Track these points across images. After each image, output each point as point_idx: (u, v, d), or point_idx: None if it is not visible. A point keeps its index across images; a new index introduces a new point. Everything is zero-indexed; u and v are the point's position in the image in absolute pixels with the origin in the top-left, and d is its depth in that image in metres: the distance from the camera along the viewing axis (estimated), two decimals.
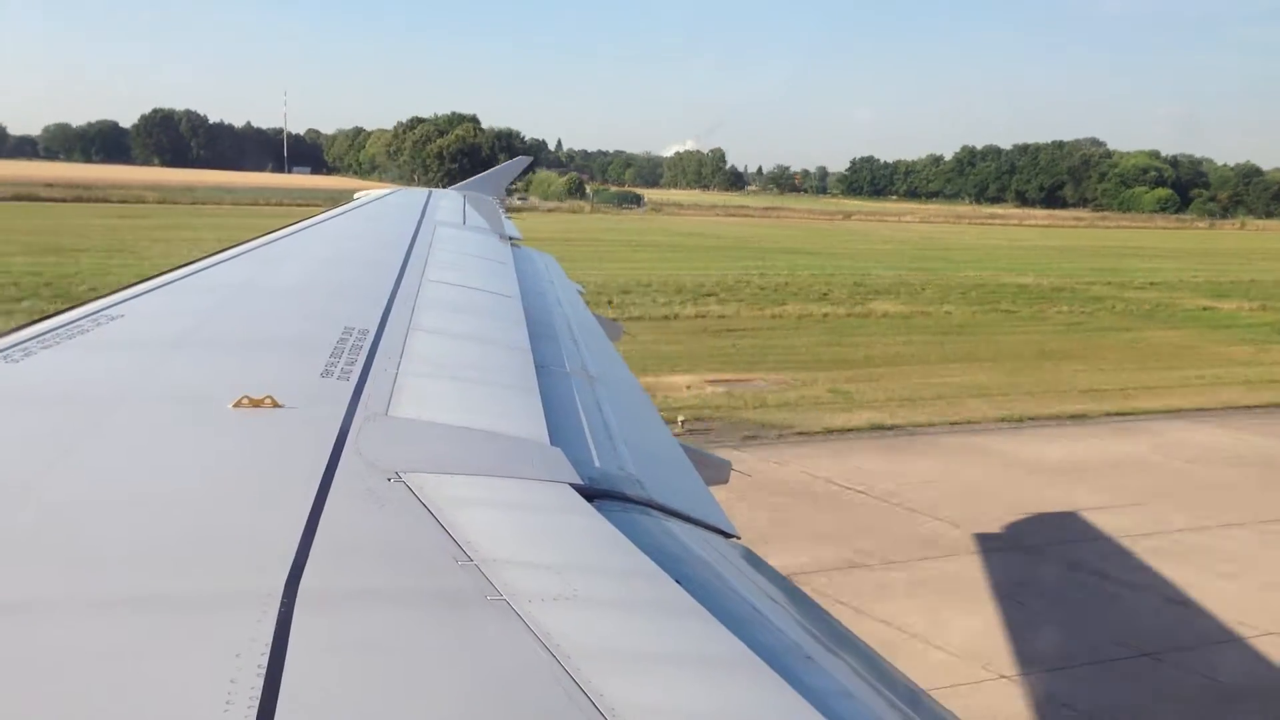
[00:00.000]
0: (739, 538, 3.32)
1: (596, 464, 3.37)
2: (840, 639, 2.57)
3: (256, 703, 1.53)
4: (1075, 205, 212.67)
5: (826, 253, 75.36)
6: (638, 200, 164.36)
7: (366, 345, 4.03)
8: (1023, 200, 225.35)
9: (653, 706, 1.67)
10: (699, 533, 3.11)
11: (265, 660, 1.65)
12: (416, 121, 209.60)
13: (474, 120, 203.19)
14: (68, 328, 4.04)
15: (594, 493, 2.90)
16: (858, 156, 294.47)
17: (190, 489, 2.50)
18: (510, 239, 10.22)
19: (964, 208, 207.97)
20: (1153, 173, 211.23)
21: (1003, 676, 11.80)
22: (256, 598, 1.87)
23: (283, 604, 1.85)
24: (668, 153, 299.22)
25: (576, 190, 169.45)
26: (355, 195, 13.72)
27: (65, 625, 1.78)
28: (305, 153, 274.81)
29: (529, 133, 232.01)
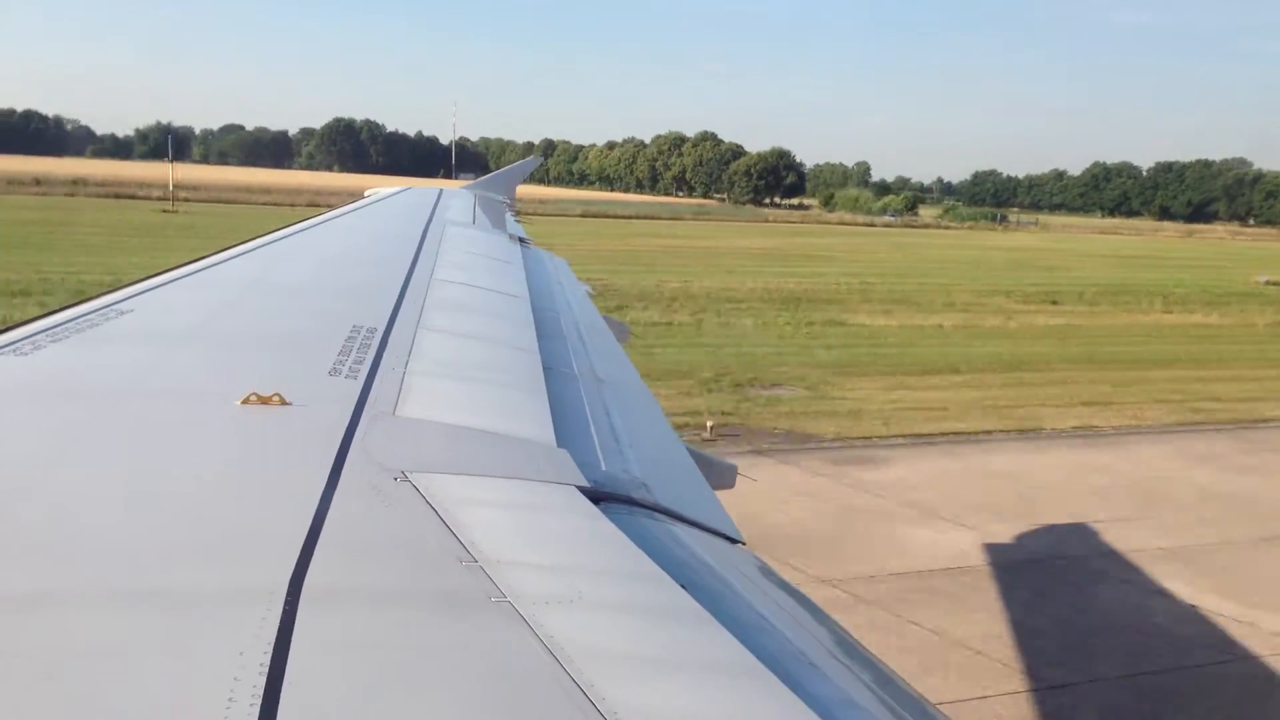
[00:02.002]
0: (745, 543, 3.32)
1: (603, 467, 3.37)
2: (846, 647, 2.56)
3: (259, 701, 1.53)
4: (1226, 220, 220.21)
5: None
6: (998, 218, 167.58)
7: (374, 344, 4.04)
8: (1166, 215, 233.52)
9: (656, 711, 1.67)
10: (705, 537, 3.11)
11: (268, 658, 1.65)
12: (680, 139, 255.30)
13: (713, 137, 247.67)
14: (76, 322, 4.05)
15: (600, 495, 2.89)
16: (980, 169, 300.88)
17: (196, 485, 2.50)
18: (519, 239, 10.23)
19: (1145, 222, 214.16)
20: None
21: None
22: (261, 595, 1.87)
23: (287, 602, 1.85)
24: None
25: (910, 208, 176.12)
26: (366, 193, 13.75)
27: (69, 621, 1.78)
28: (468, 159, 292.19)
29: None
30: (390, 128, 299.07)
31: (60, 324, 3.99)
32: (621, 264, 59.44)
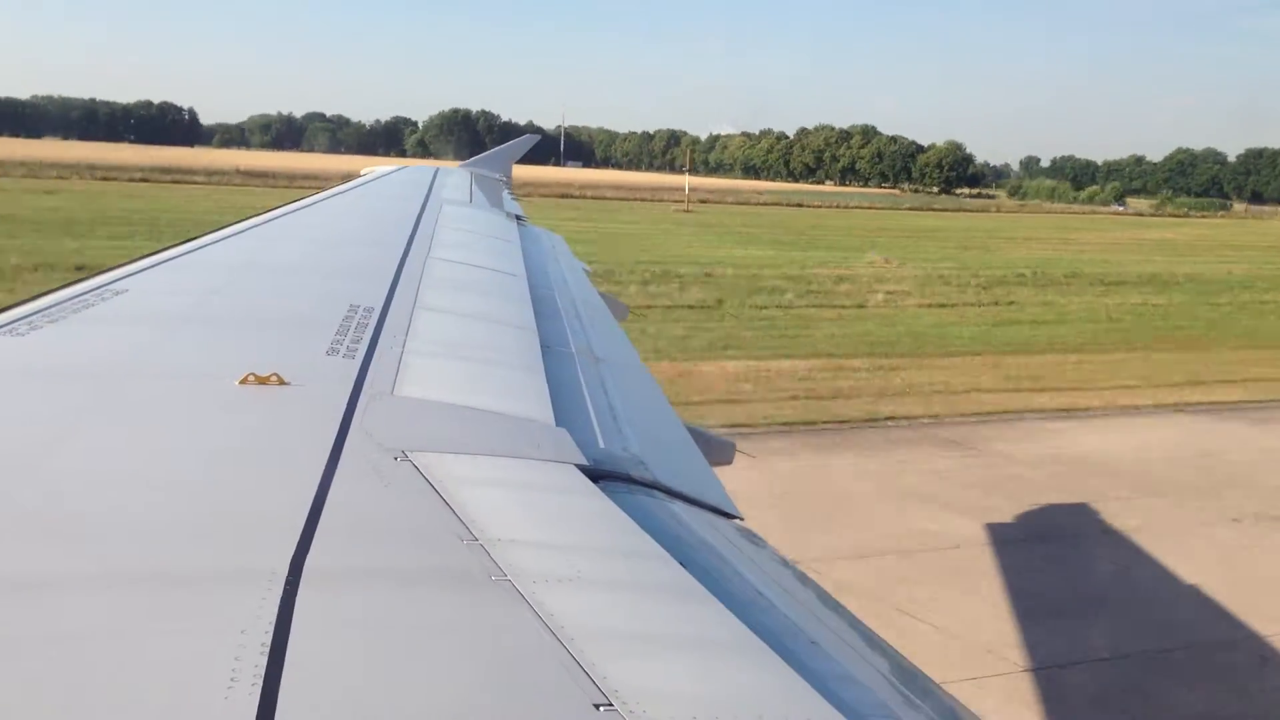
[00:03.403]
0: (742, 519, 3.32)
1: (601, 445, 3.37)
2: (844, 623, 2.57)
3: (260, 680, 1.54)
4: None
5: None
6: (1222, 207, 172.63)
7: (372, 323, 4.03)
8: (1258, 200, 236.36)
9: (655, 688, 1.68)
10: (703, 515, 3.11)
11: (269, 638, 1.65)
12: (847, 133, 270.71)
13: (873, 129, 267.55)
14: (72, 302, 4.04)
15: (599, 473, 2.90)
16: (1060, 155, 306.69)
17: (195, 466, 2.50)
18: (516, 217, 10.20)
19: None
20: None
21: None
22: (261, 575, 1.87)
23: (288, 582, 1.85)
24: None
25: (1118, 198, 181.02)
26: (362, 171, 13.69)
27: (71, 601, 1.78)
28: (574, 149, 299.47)
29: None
30: (505, 117, 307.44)
31: (56, 304, 3.97)
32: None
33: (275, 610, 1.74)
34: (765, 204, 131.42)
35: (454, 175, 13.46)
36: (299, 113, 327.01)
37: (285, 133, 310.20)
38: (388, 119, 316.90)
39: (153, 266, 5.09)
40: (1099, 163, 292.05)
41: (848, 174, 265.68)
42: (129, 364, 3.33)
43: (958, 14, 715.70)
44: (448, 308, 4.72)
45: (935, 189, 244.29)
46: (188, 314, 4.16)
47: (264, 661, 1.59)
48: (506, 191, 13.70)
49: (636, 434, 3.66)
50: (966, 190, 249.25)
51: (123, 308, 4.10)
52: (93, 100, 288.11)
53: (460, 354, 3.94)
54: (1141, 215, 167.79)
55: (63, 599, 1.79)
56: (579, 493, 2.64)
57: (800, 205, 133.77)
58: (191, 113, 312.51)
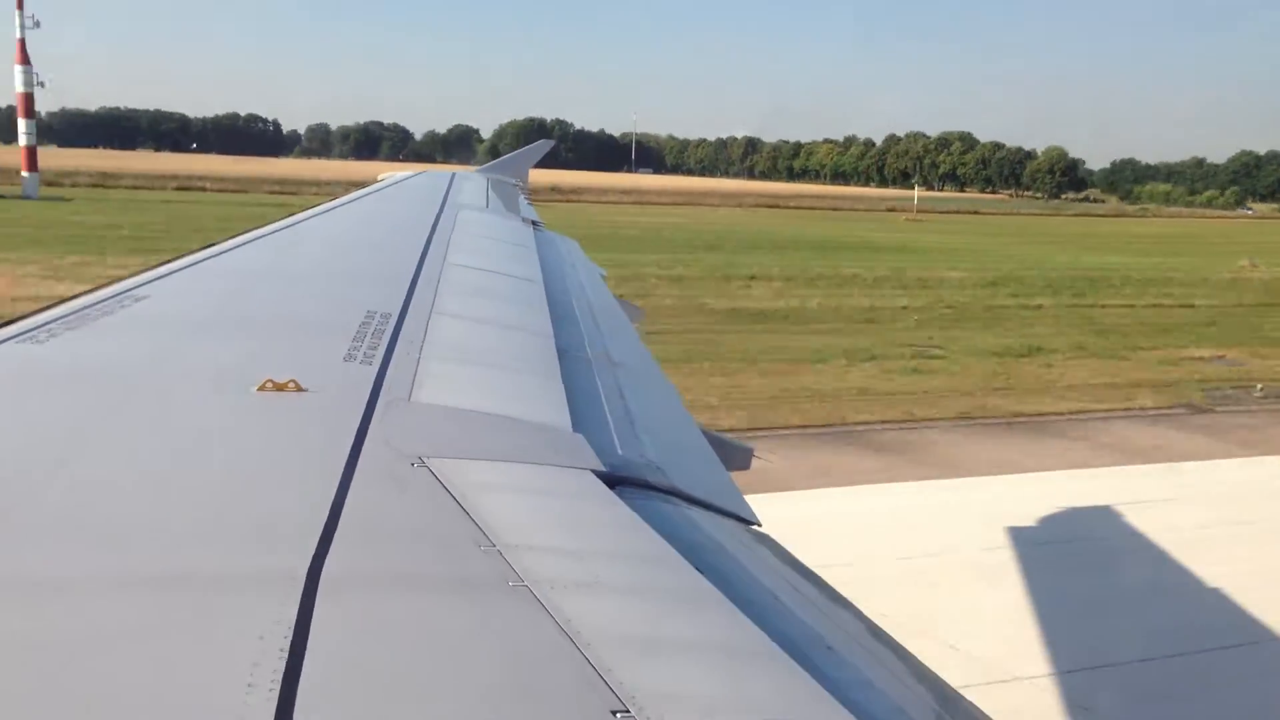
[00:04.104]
0: (760, 525, 3.31)
1: (619, 450, 3.37)
2: (863, 630, 2.56)
3: (278, 685, 1.54)
4: None
5: None
6: None
7: (389, 330, 4.04)
8: None
9: (672, 694, 1.67)
10: (721, 520, 3.11)
11: (288, 643, 1.66)
12: (943, 140, 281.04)
13: (968, 137, 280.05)
14: (93, 309, 4.07)
15: (616, 479, 2.90)
16: (1118, 158, 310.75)
17: (214, 471, 2.51)
18: (532, 222, 10.22)
19: None
20: None
21: None
22: (280, 581, 1.88)
23: (306, 587, 1.86)
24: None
25: (1239, 202, 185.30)
26: (379, 177, 13.75)
27: (91, 605, 1.80)
28: (644, 156, 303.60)
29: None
30: (577, 125, 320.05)
31: (76, 311, 4.00)
32: None
33: (294, 615, 1.75)
34: (948, 212, 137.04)
35: (470, 180, 13.49)
36: (367, 122, 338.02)
37: (364, 142, 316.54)
38: (447, 128, 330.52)
39: (173, 273, 5.13)
40: (1150, 164, 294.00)
41: (946, 180, 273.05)
42: (149, 370, 3.36)
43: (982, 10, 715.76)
44: (464, 313, 4.73)
45: (1042, 195, 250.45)
46: (207, 320, 4.19)
47: (282, 666, 1.59)
48: (523, 196, 13.73)
49: (653, 440, 3.66)
50: (1072, 195, 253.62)
51: (143, 314, 4.13)
52: (182, 114, 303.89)
53: (477, 360, 3.94)
54: (1266, 219, 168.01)
55: (82, 601, 1.80)
56: (596, 499, 2.64)
57: (975, 213, 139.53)
58: (275, 124, 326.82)
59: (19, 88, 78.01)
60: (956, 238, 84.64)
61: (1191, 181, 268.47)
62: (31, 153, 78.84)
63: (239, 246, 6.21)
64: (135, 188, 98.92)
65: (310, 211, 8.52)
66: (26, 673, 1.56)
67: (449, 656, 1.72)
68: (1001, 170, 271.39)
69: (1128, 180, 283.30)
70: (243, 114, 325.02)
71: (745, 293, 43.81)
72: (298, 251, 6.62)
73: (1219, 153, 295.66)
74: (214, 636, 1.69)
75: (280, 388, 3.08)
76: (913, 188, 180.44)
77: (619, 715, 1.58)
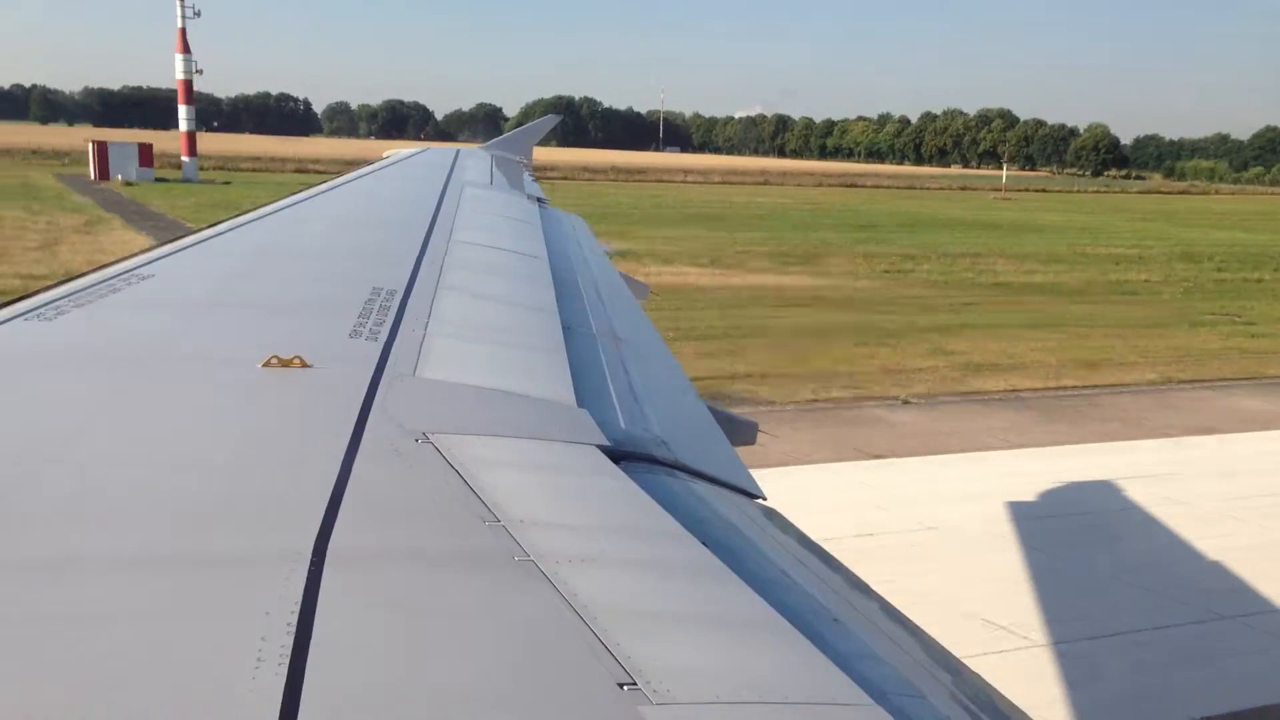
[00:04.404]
0: (765, 498, 3.32)
1: (623, 425, 3.37)
2: (868, 601, 2.57)
3: (287, 660, 1.55)
4: None
5: None
6: None
7: (394, 306, 4.04)
8: None
9: (678, 667, 1.68)
10: (725, 494, 3.11)
11: (295, 618, 1.67)
12: (983, 117, 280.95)
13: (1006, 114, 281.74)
14: (99, 286, 4.07)
15: (620, 454, 2.90)
16: (1141, 134, 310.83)
17: (220, 447, 2.52)
18: (538, 199, 10.19)
19: None
20: None
21: None
22: (286, 556, 1.88)
23: (312, 563, 1.86)
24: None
25: None
26: (385, 154, 13.71)
27: (98, 582, 1.80)
28: (674, 134, 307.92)
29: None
30: (606, 104, 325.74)
31: (84, 289, 4.01)
32: None
33: (300, 591, 1.76)
34: (1024, 190, 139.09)
35: (474, 157, 13.46)
36: (395, 101, 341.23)
37: (391, 121, 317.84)
38: (470, 107, 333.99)
39: (179, 251, 5.13)
40: (1174, 140, 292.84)
41: (986, 158, 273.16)
42: (155, 348, 3.36)
43: None
44: (470, 290, 4.73)
45: (1084, 172, 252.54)
46: (213, 298, 4.19)
47: (290, 642, 1.60)
48: (527, 173, 13.69)
49: (658, 414, 3.66)
50: (1114, 172, 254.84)
51: (149, 292, 4.14)
52: (212, 94, 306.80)
53: (482, 336, 3.94)
54: None
55: (90, 579, 1.81)
56: (601, 473, 2.65)
57: (1043, 190, 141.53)
58: (306, 103, 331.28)
59: (179, 74, 79.18)
60: (1067, 215, 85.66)
61: (1215, 158, 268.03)
62: (191, 138, 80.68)
63: (245, 224, 6.20)
64: (261, 170, 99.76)
65: (315, 189, 8.51)
66: (36, 650, 1.56)
67: (456, 631, 1.72)
68: (1044, 148, 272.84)
69: (1151, 156, 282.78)
70: (274, 93, 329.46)
71: (987, 268, 44.98)
72: (303, 229, 6.62)
73: (1242, 129, 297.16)
74: (221, 613, 1.70)
75: (286, 364, 3.09)
76: (1000, 167, 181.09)
77: (626, 688, 1.59)
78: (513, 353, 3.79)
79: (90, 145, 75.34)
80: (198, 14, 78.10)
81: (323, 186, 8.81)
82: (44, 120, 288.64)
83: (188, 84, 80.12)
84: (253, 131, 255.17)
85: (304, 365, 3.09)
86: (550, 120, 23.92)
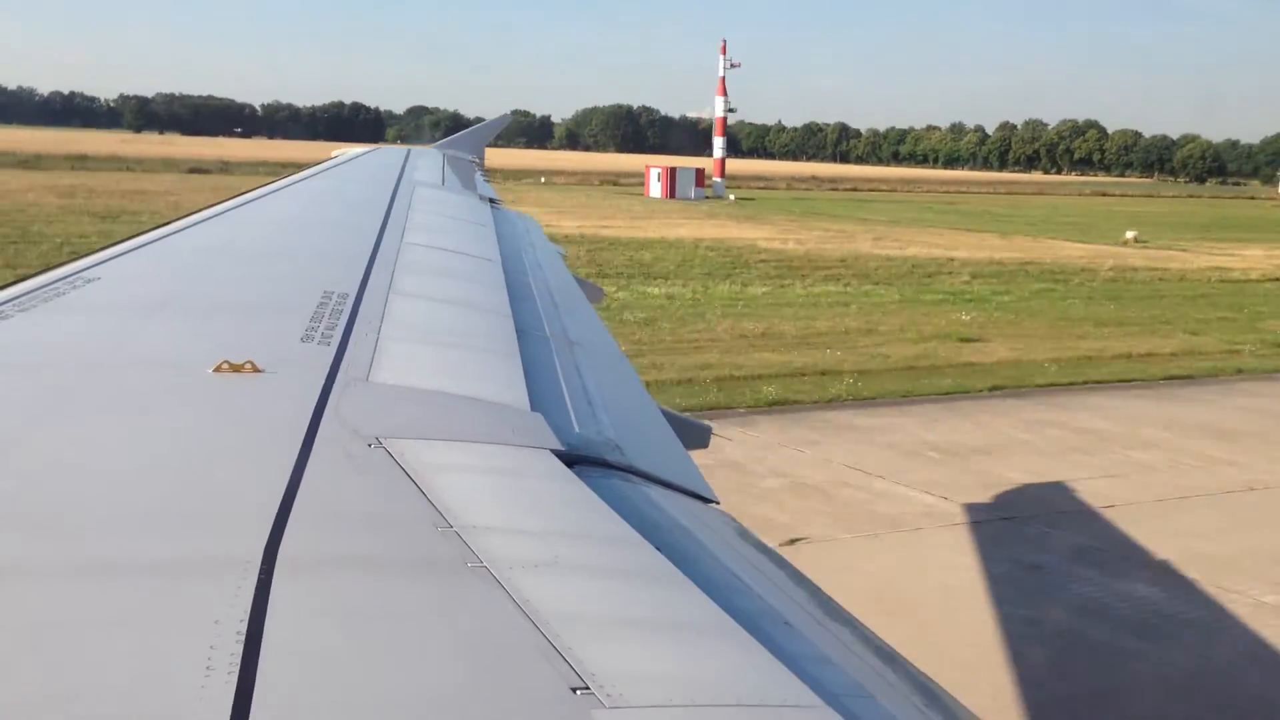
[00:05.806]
0: (719, 503, 3.34)
1: (577, 429, 3.38)
2: (820, 606, 2.60)
3: (237, 669, 1.54)
4: None
5: None
6: None
7: (346, 309, 4.01)
8: None
9: (631, 671, 1.69)
10: (679, 498, 3.13)
11: (245, 626, 1.65)
12: (1080, 126, 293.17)
13: (1096, 125, 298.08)
14: (43, 290, 4.00)
15: (574, 458, 2.91)
16: (1218, 140, 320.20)
17: (169, 454, 2.49)
18: (490, 200, 10.15)
19: None
20: None
21: None
22: (236, 564, 1.87)
23: (262, 570, 1.85)
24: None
25: None
26: (333, 153, 13.58)
27: (43, 592, 1.78)
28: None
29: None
30: (662, 112, 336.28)
31: (27, 293, 3.94)
32: None
33: (250, 599, 1.75)
34: (1131, 195, 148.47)
35: (425, 157, 13.36)
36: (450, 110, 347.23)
37: (452, 128, 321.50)
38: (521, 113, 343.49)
39: (125, 253, 5.05)
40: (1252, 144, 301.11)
41: (1080, 165, 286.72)
42: (102, 352, 3.31)
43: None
44: (423, 293, 4.70)
45: (1188, 179, 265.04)
46: (161, 301, 4.14)
47: (240, 650, 1.59)
48: (479, 173, 13.62)
49: (612, 418, 3.67)
50: (1218, 180, 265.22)
51: (95, 296, 4.07)
52: (290, 104, 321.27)
53: (435, 339, 3.93)
54: None
55: (33, 589, 1.79)
56: (554, 478, 2.65)
57: (1191, 196, 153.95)
58: (377, 111, 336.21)
59: (718, 113, 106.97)
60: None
61: (1226, 162, 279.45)
62: (721, 163, 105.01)
63: (194, 225, 6.12)
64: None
65: (262, 189, 8.41)
66: None
67: (408, 638, 1.72)
68: (1146, 156, 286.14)
69: (1231, 162, 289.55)
70: (347, 102, 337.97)
71: None
72: (252, 230, 6.54)
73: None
74: (169, 621, 1.68)
75: (237, 369, 3.06)
76: (1099, 173, 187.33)
77: (579, 693, 1.60)
78: (466, 356, 3.78)
79: (664, 170, 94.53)
80: (736, 65, 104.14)
81: (270, 186, 8.70)
82: (137, 129, 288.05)
83: (723, 120, 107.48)
84: (325, 139, 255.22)
85: (255, 370, 3.07)
86: (504, 120, 23.78)
